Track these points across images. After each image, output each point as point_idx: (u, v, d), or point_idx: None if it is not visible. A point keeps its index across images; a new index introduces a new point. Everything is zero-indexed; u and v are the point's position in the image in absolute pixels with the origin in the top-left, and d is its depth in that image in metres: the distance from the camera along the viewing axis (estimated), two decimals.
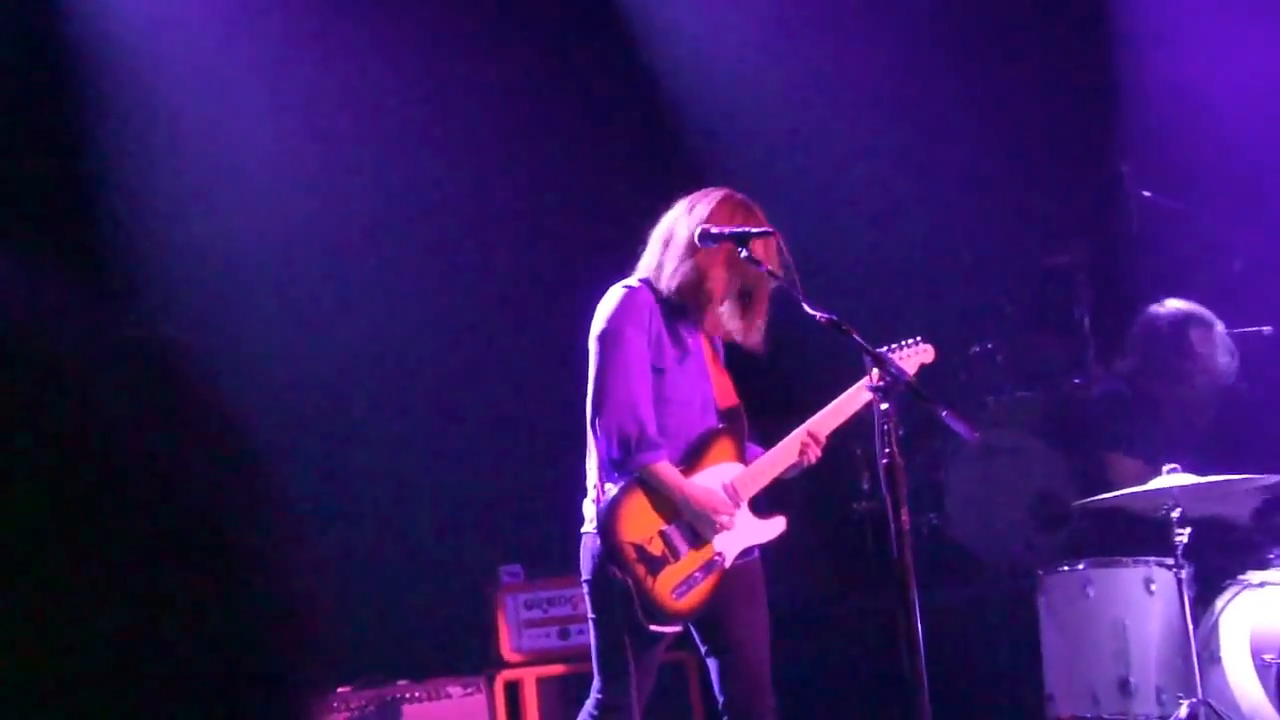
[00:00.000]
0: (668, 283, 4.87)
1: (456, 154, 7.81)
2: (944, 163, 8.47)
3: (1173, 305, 6.87)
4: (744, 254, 4.77)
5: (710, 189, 4.98)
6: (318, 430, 7.45)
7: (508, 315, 7.82)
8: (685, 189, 5.04)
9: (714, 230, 4.82)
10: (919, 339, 5.23)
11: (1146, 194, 8.25)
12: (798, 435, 4.99)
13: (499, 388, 7.79)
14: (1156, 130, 8.38)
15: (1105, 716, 6.10)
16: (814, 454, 4.99)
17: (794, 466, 5.01)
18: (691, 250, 4.83)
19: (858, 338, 4.55)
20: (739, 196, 4.96)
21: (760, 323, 4.99)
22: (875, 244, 8.51)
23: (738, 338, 5.00)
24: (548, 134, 8.05)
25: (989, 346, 8.27)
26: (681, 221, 4.90)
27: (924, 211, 8.50)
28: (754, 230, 4.82)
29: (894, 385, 4.46)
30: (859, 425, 5.09)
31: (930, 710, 4.37)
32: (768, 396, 7.34)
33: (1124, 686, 6.05)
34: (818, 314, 4.59)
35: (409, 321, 7.71)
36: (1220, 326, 6.84)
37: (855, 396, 5.02)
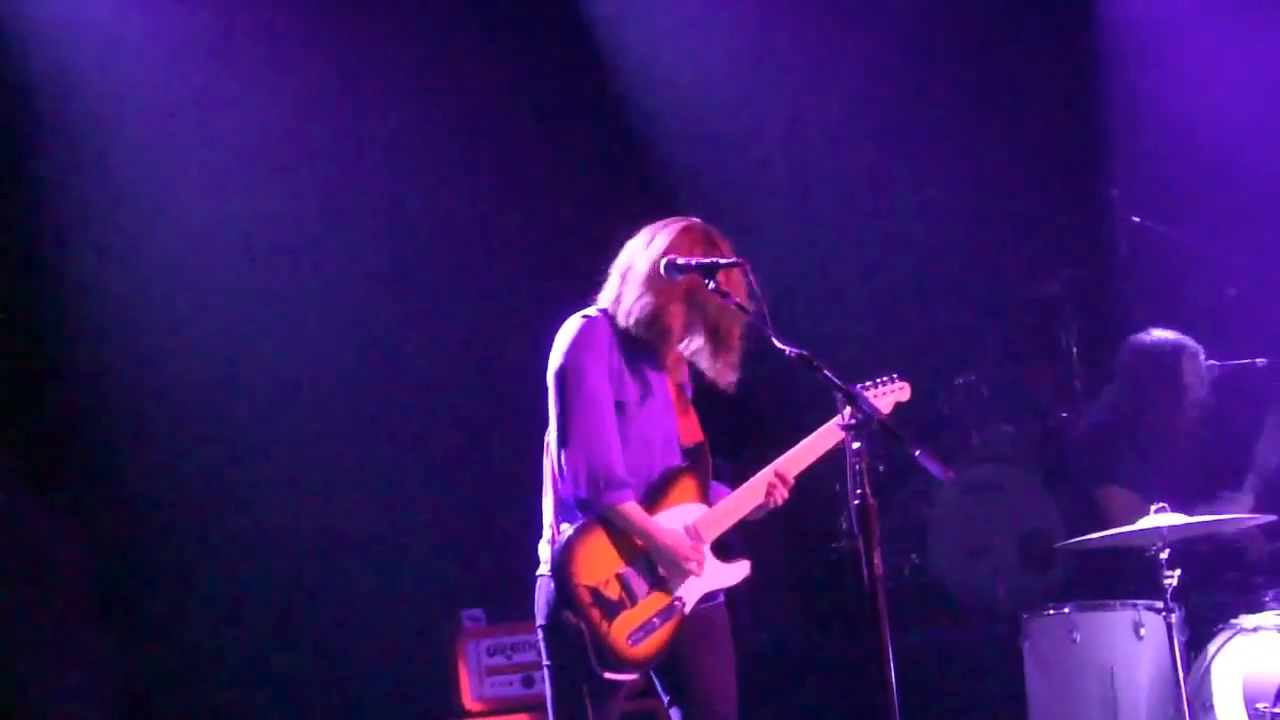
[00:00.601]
0: (625, 318, 4.83)
1: (415, 195, 7.81)
2: (925, 189, 8.45)
3: (1159, 334, 6.87)
4: (711, 285, 4.73)
5: (672, 219, 4.93)
6: (271, 466, 7.41)
7: (468, 350, 7.76)
8: (656, 214, 5.00)
9: (680, 261, 4.76)
10: (894, 377, 5.18)
11: (1136, 219, 8.25)
12: (765, 476, 4.94)
13: (460, 423, 7.74)
14: (1146, 153, 8.39)
15: None
16: (781, 495, 4.94)
17: (761, 508, 4.95)
18: (650, 284, 4.79)
19: (828, 374, 4.49)
20: (701, 226, 4.91)
21: (734, 359, 4.93)
22: (853, 273, 8.48)
23: (710, 376, 4.96)
24: (512, 161, 8.03)
25: (972, 378, 8.24)
26: (640, 253, 4.86)
27: (904, 238, 8.47)
28: (721, 261, 4.76)
29: (866, 423, 4.42)
30: (838, 462, 5.05)
31: None
32: (739, 432, 7.34)
33: None
34: (787, 349, 4.55)
35: (366, 358, 7.66)
36: (1203, 355, 6.85)
37: (826, 436, 4.97)
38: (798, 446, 4.99)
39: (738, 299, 4.75)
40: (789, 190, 8.38)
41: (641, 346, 4.85)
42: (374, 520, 7.60)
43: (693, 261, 4.78)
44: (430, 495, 7.72)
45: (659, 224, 4.92)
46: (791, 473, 4.95)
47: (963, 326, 8.50)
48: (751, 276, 4.75)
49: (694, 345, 4.93)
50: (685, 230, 4.87)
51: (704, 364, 4.95)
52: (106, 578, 7.19)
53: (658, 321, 4.81)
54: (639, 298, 4.81)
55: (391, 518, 7.63)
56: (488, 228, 7.93)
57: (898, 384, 5.17)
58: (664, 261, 4.78)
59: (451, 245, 7.85)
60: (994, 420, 8.15)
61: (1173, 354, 6.77)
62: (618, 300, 4.86)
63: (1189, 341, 6.82)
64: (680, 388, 4.99)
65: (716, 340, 4.92)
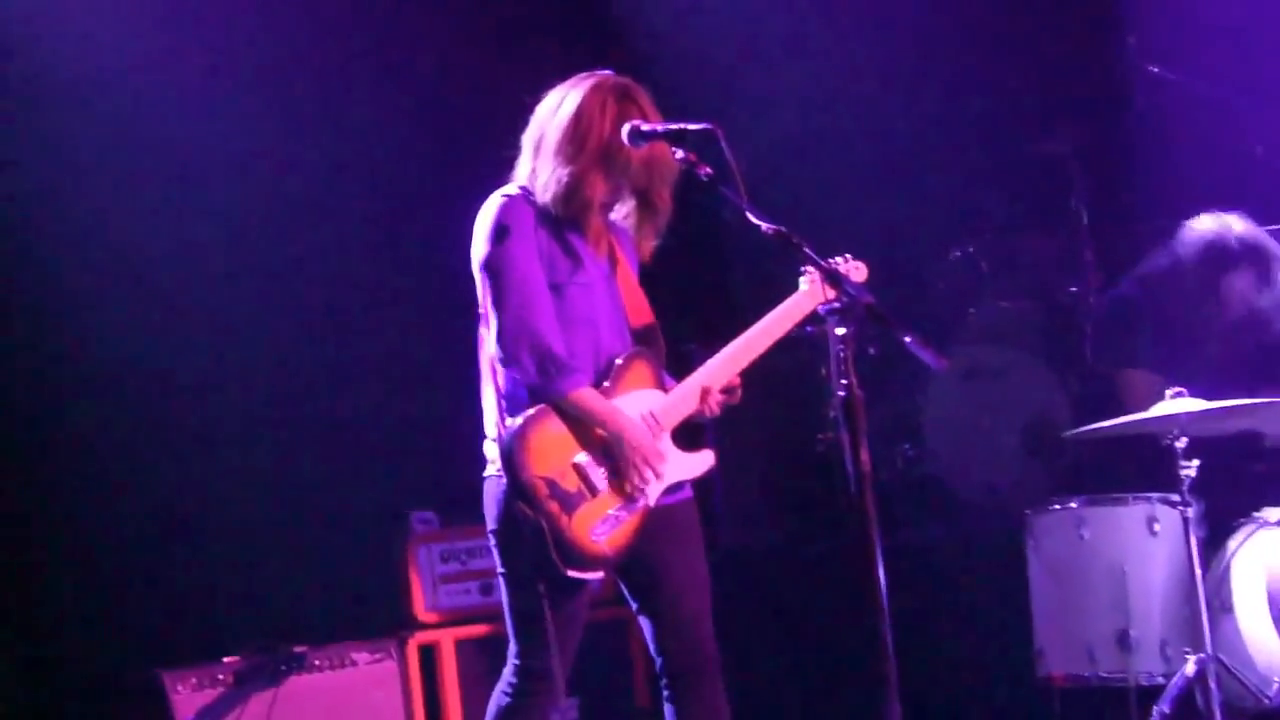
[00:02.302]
0: (542, 194, 4.84)
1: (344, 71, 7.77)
2: (912, 32, 8.32)
3: (1230, 228, 6.62)
4: (678, 154, 4.69)
5: (581, 76, 4.90)
6: (208, 367, 7.39)
7: (407, 235, 7.74)
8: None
9: (644, 128, 4.74)
10: (848, 256, 5.13)
11: (1153, 69, 8.19)
12: (694, 384, 4.94)
13: (407, 312, 7.69)
14: None
15: (1102, 674, 6.12)
16: (715, 403, 4.94)
17: (697, 415, 4.97)
18: (561, 155, 4.79)
19: (809, 251, 4.47)
20: (613, 80, 4.88)
21: (660, 224, 4.97)
22: (832, 133, 8.37)
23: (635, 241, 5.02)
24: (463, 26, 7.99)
25: (970, 250, 8.18)
26: (549, 121, 4.85)
27: (886, 92, 8.37)
28: (690, 127, 4.72)
29: (851, 307, 4.41)
30: (824, 344, 5.06)
31: (898, 672, 4.38)
32: (711, 314, 7.34)
33: (1123, 641, 6.07)
34: (763, 224, 4.52)
35: (306, 253, 7.59)
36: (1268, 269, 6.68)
37: (761, 334, 4.99)
38: (724, 351, 4.99)
39: (706, 169, 4.71)
40: (759, 40, 8.28)
41: (568, 223, 4.86)
42: (314, 416, 7.56)
43: (658, 129, 4.76)
44: (375, 388, 7.69)
45: (566, 84, 4.90)
46: (720, 382, 4.94)
47: (957, 192, 8.42)
48: (725, 144, 4.71)
49: (624, 210, 4.97)
50: (595, 89, 4.84)
51: (632, 229, 4.99)
52: (39, 484, 7.20)
53: (577, 194, 4.81)
54: (553, 171, 4.81)
55: (333, 413, 7.59)
56: (430, 106, 7.84)
57: (853, 263, 5.17)
58: (628, 130, 4.77)
59: (390, 136, 7.76)
60: (993, 296, 8.11)
61: (1220, 262, 6.64)
62: (533, 175, 4.86)
63: (1259, 248, 6.61)
64: (616, 261, 4.99)
65: (645, 204, 4.95)
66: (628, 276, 5.01)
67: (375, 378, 7.72)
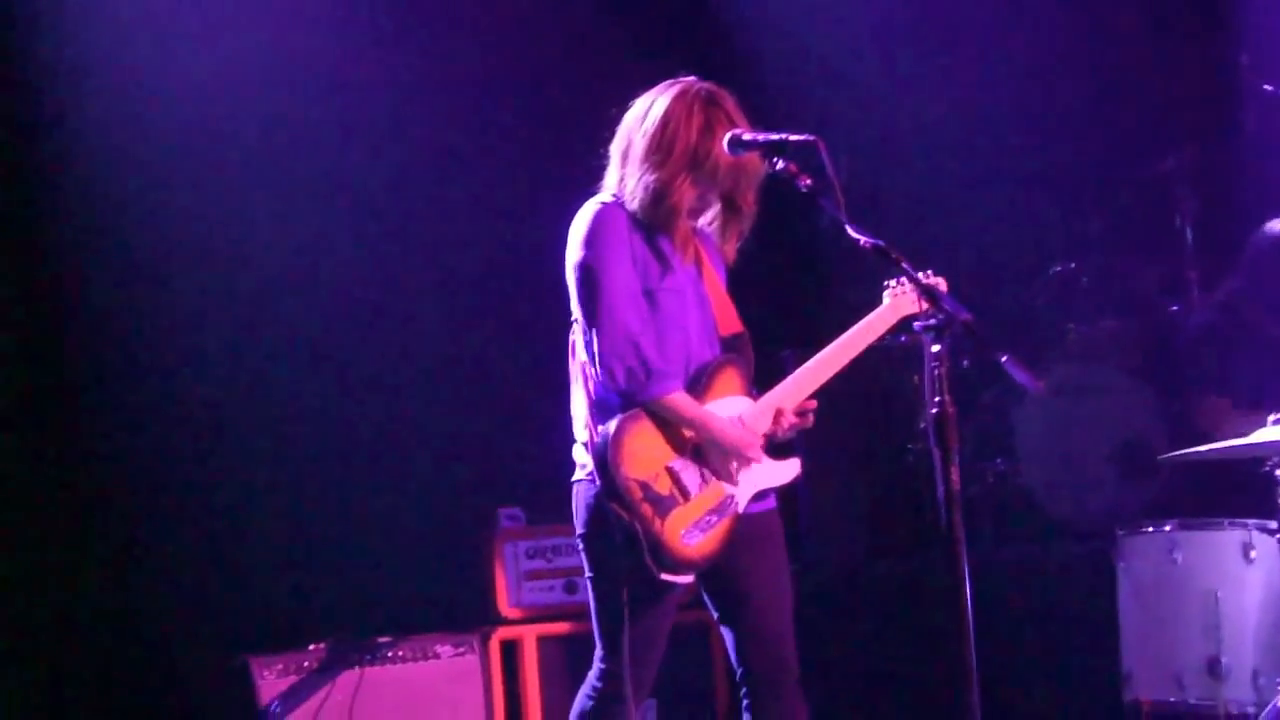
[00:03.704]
0: (631, 201, 4.85)
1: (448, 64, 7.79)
2: (1020, 50, 8.28)
3: None
4: (778, 164, 4.69)
5: (668, 83, 4.91)
6: (302, 361, 7.45)
7: (501, 238, 7.76)
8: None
9: (745, 137, 4.75)
10: (929, 272, 4.96)
11: (1268, 88, 8.10)
12: (772, 401, 4.93)
13: (500, 312, 7.73)
14: None
15: (1191, 701, 6.04)
16: (786, 426, 4.92)
17: (770, 434, 4.94)
18: (649, 161, 4.80)
19: (906, 266, 4.48)
20: (698, 87, 4.87)
21: (744, 229, 4.99)
22: (937, 146, 8.32)
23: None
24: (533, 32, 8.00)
25: (1071, 266, 8.11)
26: (636, 130, 4.87)
27: (994, 107, 8.31)
28: (792, 138, 4.72)
29: (948, 324, 4.39)
30: (916, 351, 5.02)
31: (981, 695, 4.34)
32: (808, 322, 7.31)
33: (1214, 668, 5.97)
34: (861, 238, 4.52)
35: (393, 248, 7.65)
36: None
37: (841, 350, 4.99)
38: (802, 369, 4.97)
39: (806, 180, 4.70)
40: (864, 53, 8.25)
41: (657, 230, 4.86)
42: (405, 412, 7.60)
43: (759, 139, 4.76)
44: (467, 385, 7.72)
45: (653, 91, 4.91)
46: (795, 400, 4.92)
47: (1062, 208, 8.38)
48: (826, 156, 4.69)
49: (710, 214, 4.98)
50: (681, 95, 4.85)
51: (716, 233, 5.00)
52: (135, 473, 7.28)
53: (664, 200, 4.81)
54: (641, 178, 4.82)
55: (425, 409, 7.63)
56: (511, 108, 7.86)
57: (933, 279, 5.12)
58: (728, 138, 4.76)
59: (474, 132, 7.78)
60: (1094, 314, 8.04)
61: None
62: (621, 183, 4.87)
63: None
64: (703, 267, 4.98)
65: (730, 207, 4.95)
66: (715, 283, 5.01)
67: (469, 375, 7.76)
